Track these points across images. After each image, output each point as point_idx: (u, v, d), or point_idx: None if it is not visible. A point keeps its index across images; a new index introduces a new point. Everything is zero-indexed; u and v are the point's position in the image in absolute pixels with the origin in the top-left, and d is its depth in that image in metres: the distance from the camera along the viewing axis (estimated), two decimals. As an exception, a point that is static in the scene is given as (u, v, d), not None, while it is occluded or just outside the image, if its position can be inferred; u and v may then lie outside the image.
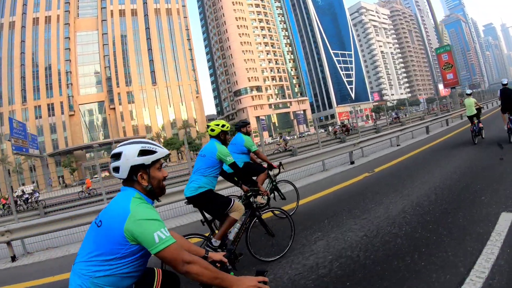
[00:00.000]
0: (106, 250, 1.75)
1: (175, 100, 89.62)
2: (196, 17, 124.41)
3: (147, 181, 1.93)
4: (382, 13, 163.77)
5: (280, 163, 6.50)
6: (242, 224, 3.98)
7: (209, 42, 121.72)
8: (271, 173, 6.28)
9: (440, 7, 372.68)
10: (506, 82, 10.79)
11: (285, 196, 6.43)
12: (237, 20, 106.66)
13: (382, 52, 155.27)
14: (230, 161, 4.10)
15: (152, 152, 1.94)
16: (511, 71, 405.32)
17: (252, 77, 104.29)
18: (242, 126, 6.02)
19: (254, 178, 5.75)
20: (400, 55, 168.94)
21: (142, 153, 1.91)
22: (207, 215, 4.19)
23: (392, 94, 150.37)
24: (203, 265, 1.76)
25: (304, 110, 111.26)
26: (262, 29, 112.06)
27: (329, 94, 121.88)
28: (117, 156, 1.91)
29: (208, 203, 4.02)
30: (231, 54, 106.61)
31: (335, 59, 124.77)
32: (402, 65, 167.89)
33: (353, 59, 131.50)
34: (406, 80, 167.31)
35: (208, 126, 4.38)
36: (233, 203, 3.97)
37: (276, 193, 6.47)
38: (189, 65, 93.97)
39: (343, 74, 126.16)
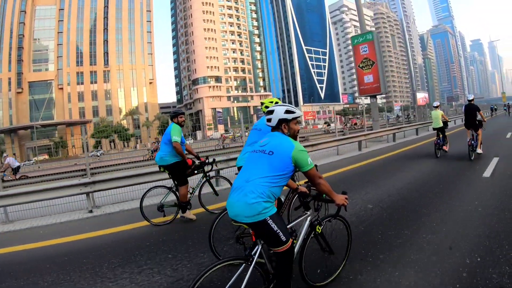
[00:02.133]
0: (279, 169, 2.60)
1: (127, 85, 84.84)
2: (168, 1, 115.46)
3: (287, 130, 2.82)
4: (365, 14, 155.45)
5: (214, 159, 6.93)
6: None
7: (176, 27, 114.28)
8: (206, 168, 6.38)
9: (429, 16, 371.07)
10: (471, 98, 10.77)
11: (218, 193, 6.48)
12: (203, 5, 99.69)
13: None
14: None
15: (292, 112, 2.83)
16: (493, 88, 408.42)
17: (212, 66, 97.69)
18: (174, 116, 5.91)
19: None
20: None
21: (287, 112, 2.80)
22: None
23: (366, 98, 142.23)
24: (325, 182, 2.79)
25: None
26: (230, 17, 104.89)
27: (296, 91, 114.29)
28: (271, 112, 2.83)
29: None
30: (193, 41, 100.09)
31: (307, 55, 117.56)
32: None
33: (327, 57, 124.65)
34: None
35: (262, 104, 4.32)
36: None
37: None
38: (146, 49, 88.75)
39: (314, 72, 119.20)
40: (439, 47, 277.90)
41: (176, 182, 5.88)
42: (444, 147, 11.82)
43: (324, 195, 2.98)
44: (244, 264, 2.57)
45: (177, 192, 5.86)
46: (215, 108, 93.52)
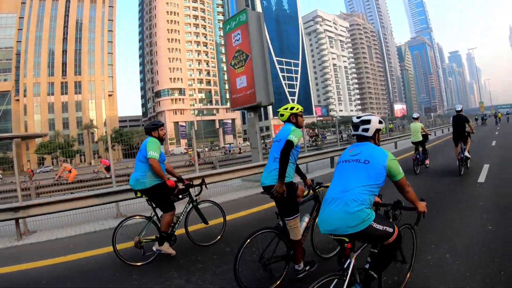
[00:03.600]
0: (375, 178, 2.59)
1: (85, 97, 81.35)
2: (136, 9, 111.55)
3: (378, 140, 2.92)
4: (340, 25, 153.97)
5: (203, 180, 5.67)
6: (310, 218, 3.93)
7: (142, 37, 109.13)
8: (192, 191, 5.42)
9: (408, 28, 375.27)
10: (460, 109, 10.40)
11: (207, 221, 5.50)
12: (168, 14, 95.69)
13: (334, 65, 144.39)
14: (290, 138, 3.54)
15: (382, 122, 2.92)
16: (471, 99, 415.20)
17: (175, 78, 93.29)
18: (153, 129, 4.96)
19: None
20: (355, 70, 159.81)
21: (380, 122, 2.89)
22: None
23: (341, 110, 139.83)
24: (412, 189, 2.79)
25: (233, 119, 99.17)
26: (196, 27, 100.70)
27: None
28: (368, 122, 2.86)
29: (288, 197, 3.59)
30: (156, 51, 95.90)
31: (278, 67, 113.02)
32: (356, 80, 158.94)
33: (299, 69, 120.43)
34: (358, 96, 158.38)
35: (278, 112, 4.03)
36: (297, 216, 3.64)
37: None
38: (106, 59, 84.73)
39: (285, 83, 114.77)
40: (417, 59, 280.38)
41: (155, 211, 4.90)
42: (426, 161, 11.37)
43: (403, 203, 2.93)
44: (336, 280, 2.54)
45: (158, 223, 4.86)
46: (177, 122, 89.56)
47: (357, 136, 2.92)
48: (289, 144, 3.51)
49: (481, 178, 8.23)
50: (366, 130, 2.85)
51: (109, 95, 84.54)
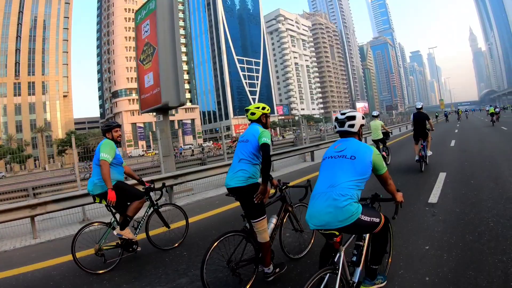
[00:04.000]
0: (361, 173, 2.63)
1: (38, 98, 77.02)
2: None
3: (361, 135, 2.97)
4: (302, 24, 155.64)
5: (163, 183, 5.62)
6: (278, 219, 3.85)
7: (100, 35, 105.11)
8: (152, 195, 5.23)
9: (370, 28, 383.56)
10: (420, 106, 10.49)
11: (169, 224, 5.32)
12: (126, 11, 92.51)
13: (296, 64, 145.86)
14: (264, 141, 3.54)
15: (364, 118, 2.98)
16: (432, 97, 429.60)
17: (132, 78, 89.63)
18: (107, 130, 4.75)
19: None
20: (316, 69, 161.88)
21: (362, 118, 2.94)
22: None
23: (303, 109, 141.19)
24: (392, 182, 2.91)
25: (193, 119, 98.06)
26: None
27: (227, 103, 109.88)
28: (353, 118, 2.88)
29: (251, 199, 3.49)
30: (113, 50, 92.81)
31: (238, 65, 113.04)
32: (318, 79, 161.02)
33: (260, 68, 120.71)
34: (320, 95, 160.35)
35: (247, 110, 3.89)
36: (265, 217, 3.55)
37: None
38: (61, 59, 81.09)
39: (246, 83, 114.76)
40: (379, 58, 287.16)
41: (115, 217, 4.72)
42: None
43: (381, 195, 3.05)
44: (329, 274, 2.57)
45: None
46: (135, 123, 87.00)
47: (341, 132, 2.93)
48: (267, 148, 3.54)
49: (433, 197, 6.35)
50: (352, 126, 2.89)
51: (64, 96, 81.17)
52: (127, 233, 4.61)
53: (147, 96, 11.59)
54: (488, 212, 5.10)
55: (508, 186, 6.56)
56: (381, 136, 11.44)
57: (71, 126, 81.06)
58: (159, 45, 10.63)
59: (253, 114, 3.78)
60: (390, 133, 12.74)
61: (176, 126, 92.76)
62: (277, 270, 3.64)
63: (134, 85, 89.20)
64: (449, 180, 7.75)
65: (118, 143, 4.78)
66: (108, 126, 4.76)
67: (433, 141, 11.98)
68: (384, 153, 11.26)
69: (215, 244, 3.32)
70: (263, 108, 3.83)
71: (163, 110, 11.18)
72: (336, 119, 2.99)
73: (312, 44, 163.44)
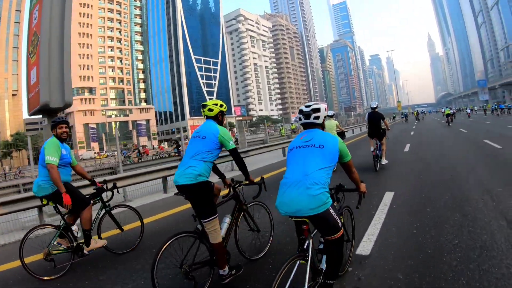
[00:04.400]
0: (330, 161, 2.77)
1: None
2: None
3: (324, 126, 3.04)
4: (263, 25, 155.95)
5: (114, 184, 5.21)
6: (232, 219, 3.75)
7: None
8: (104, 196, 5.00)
9: (331, 31, 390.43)
10: (375, 106, 10.44)
11: (122, 227, 5.12)
12: (81, 6, 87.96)
13: (255, 64, 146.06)
14: (232, 146, 3.59)
15: (327, 110, 3.21)
16: (390, 99, 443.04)
17: (85, 76, 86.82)
18: (52, 127, 4.52)
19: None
20: (276, 70, 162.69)
21: (325, 110, 3.07)
22: None
23: (261, 110, 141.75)
24: (356, 171, 3.07)
25: (148, 120, 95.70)
26: (110, 21, 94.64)
27: (183, 103, 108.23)
28: (318, 110, 2.94)
29: (203, 198, 3.41)
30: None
31: (196, 65, 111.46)
32: (277, 80, 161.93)
33: (218, 68, 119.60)
34: (279, 96, 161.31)
35: (204, 106, 3.80)
36: (216, 217, 3.42)
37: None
38: (11, 55, 78.00)
39: (203, 83, 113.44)
40: (339, 61, 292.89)
41: (64, 219, 4.45)
42: None
43: (345, 186, 3.20)
44: (299, 261, 2.64)
45: (69, 233, 4.47)
46: (88, 124, 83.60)
47: (306, 124, 3.00)
48: (237, 152, 3.66)
49: (366, 245, 4.09)
50: (318, 117, 2.95)
51: (14, 95, 78.09)
52: (95, 244, 4.49)
53: (33, 95, 9.94)
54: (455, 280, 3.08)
55: (483, 221, 4.45)
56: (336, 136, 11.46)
57: (20, 127, 77.83)
58: (41, 35, 9.11)
59: (210, 110, 3.73)
60: (345, 133, 12.83)
61: (131, 127, 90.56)
62: (233, 272, 3.52)
63: (88, 83, 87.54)
64: (396, 206, 5.61)
65: (63, 140, 4.51)
66: (53, 122, 4.51)
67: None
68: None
69: (165, 246, 3.16)
70: (221, 106, 3.79)
71: (49, 112, 9.42)
72: (301, 111, 3.05)
73: (272, 45, 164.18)
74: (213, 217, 3.35)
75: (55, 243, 4.34)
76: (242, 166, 3.67)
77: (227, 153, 3.62)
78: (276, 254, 4.09)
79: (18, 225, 7.49)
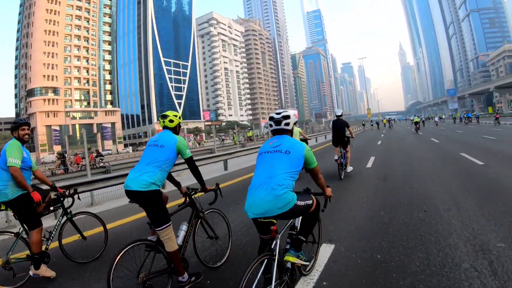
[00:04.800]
0: (295, 166, 2.94)
1: None
2: None
3: (292, 133, 3.24)
4: (235, 29, 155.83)
5: (75, 189, 5.25)
6: (188, 227, 3.78)
7: (21, 27, 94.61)
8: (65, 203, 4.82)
9: (304, 38, 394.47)
10: (340, 114, 10.34)
11: (84, 236, 4.93)
12: (48, 2, 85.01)
13: (226, 69, 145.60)
14: (189, 154, 3.71)
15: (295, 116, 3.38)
16: (361, 106, 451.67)
17: (50, 76, 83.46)
18: (14, 128, 4.26)
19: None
20: (247, 75, 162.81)
21: (294, 116, 3.33)
22: None
23: (230, 115, 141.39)
24: (322, 177, 3.25)
25: (113, 123, 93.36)
26: (78, 19, 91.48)
27: (150, 107, 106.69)
28: (288, 117, 3.15)
29: (154, 206, 3.43)
30: (31, 43, 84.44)
31: (165, 68, 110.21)
32: (248, 85, 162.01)
33: (188, 71, 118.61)
34: (249, 101, 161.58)
35: (165, 116, 3.85)
36: (170, 224, 3.43)
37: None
38: None
39: (171, 86, 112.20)
40: (311, 67, 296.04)
41: (24, 227, 4.25)
42: None
43: (312, 190, 3.33)
44: (266, 260, 2.74)
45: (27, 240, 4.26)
46: (50, 126, 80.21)
47: (276, 130, 3.16)
48: (193, 161, 3.80)
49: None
50: (288, 124, 3.15)
51: None
52: (44, 271, 4.14)
53: None
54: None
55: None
56: None
57: None
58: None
59: (171, 121, 3.83)
60: (307, 140, 12.57)
61: (95, 130, 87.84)
62: (193, 279, 3.54)
63: (52, 83, 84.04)
64: (339, 263, 3.86)
65: (25, 143, 4.31)
66: (15, 123, 4.27)
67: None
68: None
69: (120, 255, 3.08)
70: (179, 117, 3.91)
71: None
72: (272, 118, 3.21)
73: (244, 50, 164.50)
74: (166, 225, 3.36)
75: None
76: (197, 175, 3.83)
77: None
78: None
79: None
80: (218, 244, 4.18)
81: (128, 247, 3.13)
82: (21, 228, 4.25)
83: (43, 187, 4.83)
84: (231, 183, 10.70)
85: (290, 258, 2.99)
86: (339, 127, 10.00)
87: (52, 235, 4.46)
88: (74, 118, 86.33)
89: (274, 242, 2.84)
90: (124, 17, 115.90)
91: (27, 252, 4.19)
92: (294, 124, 9.97)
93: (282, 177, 2.82)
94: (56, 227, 4.60)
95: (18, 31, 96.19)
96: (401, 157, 13.87)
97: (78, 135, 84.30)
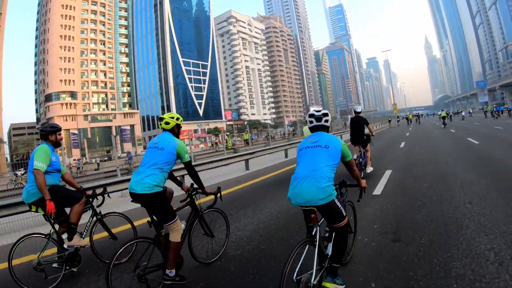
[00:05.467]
0: (334, 159, 3.14)
1: None
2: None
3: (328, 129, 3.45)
4: (255, 27, 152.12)
5: (105, 188, 5.45)
6: (187, 226, 3.91)
7: (39, 34, 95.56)
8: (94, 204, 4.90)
9: (327, 34, 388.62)
10: (359, 110, 9.69)
11: (115, 236, 4.89)
12: (63, 8, 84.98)
13: (247, 67, 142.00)
14: (187, 159, 3.82)
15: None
16: (387, 102, 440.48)
17: (66, 80, 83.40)
18: (50, 133, 4.52)
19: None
20: (269, 73, 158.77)
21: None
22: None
23: (253, 114, 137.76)
24: (357, 169, 3.82)
25: (132, 126, 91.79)
26: (93, 23, 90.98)
27: (170, 108, 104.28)
28: (327, 115, 3.37)
29: (159, 207, 3.58)
30: (48, 49, 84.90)
31: (184, 68, 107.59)
32: (270, 83, 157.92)
33: (208, 71, 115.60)
34: (272, 100, 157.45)
35: (161, 119, 3.94)
36: (176, 219, 3.63)
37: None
38: None
39: (191, 86, 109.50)
40: (335, 63, 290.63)
41: (54, 228, 4.41)
42: None
43: (347, 182, 3.53)
44: (308, 245, 2.97)
45: (57, 241, 4.39)
46: (69, 130, 79.69)
47: (316, 127, 3.37)
48: (191, 165, 3.85)
49: None
50: (327, 121, 3.39)
51: None
52: (77, 241, 4.34)
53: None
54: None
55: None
56: None
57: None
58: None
59: (167, 123, 3.85)
60: None
61: (114, 133, 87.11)
62: (177, 278, 3.57)
63: (69, 87, 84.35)
64: None
65: (59, 146, 4.66)
66: (52, 127, 4.55)
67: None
68: None
69: (120, 251, 3.29)
70: (177, 119, 3.90)
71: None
72: (313, 115, 3.42)
73: (265, 47, 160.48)
74: (173, 221, 3.56)
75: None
76: (196, 178, 3.91)
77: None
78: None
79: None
80: (213, 243, 4.30)
81: (129, 243, 3.38)
82: (52, 230, 4.32)
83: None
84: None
85: (328, 285, 3.11)
86: (358, 125, 9.40)
87: (83, 235, 4.53)
88: (92, 121, 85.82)
89: (314, 230, 3.06)
90: (142, 19, 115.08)
91: (60, 254, 4.25)
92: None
93: (325, 170, 3.01)
94: (86, 227, 4.67)
95: (36, 37, 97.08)
96: (427, 159, 11.36)
97: (97, 138, 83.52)
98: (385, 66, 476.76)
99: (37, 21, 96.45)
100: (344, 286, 3.29)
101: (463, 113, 52.35)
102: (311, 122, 3.38)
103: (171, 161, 3.63)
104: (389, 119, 65.32)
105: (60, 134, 4.54)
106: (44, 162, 4.13)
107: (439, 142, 17.69)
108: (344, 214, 3.11)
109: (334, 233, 3.18)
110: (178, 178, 5.24)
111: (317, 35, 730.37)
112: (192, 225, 3.96)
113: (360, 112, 9.63)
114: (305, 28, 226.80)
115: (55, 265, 4.15)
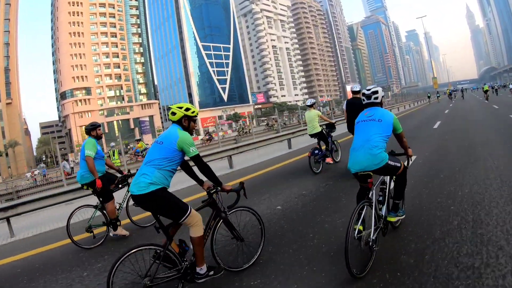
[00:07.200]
0: (386, 132, 3.56)
1: None
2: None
3: (382, 103, 3.84)
4: (280, 3, 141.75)
5: (138, 170, 4.96)
6: (206, 227, 3.47)
7: (53, 34, 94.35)
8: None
9: (362, 8, 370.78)
10: (358, 89, 7.66)
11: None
12: (70, 5, 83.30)
13: (274, 46, 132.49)
14: (194, 152, 3.32)
15: (383, 91, 3.86)
16: (429, 76, 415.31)
17: (79, 77, 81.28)
18: (92, 129, 5.72)
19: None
20: (299, 51, 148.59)
21: (382, 91, 3.86)
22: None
23: (283, 96, 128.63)
24: (406, 140, 3.96)
25: (151, 116, 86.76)
26: (102, 16, 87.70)
27: (192, 95, 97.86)
28: (377, 92, 3.74)
29: (160, 206, 3.26)
30: (58, 48, 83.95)
31: (204, 53, 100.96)
32: (301, 62, 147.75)
33: (230, 53, 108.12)
34: (304, 79, 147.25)
35: (169, 109, 3.66)
36: (190, 212, 3.26)
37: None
38: (2, 64, 75.15)
39: (213, 71, 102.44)
40: (372, 38, 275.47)
41: (101, 199, 5.66)
42: (328, 159, 8.63)
43: (395, 151, 3.82)
44: (366, 206, 3.32)
45: (104, 210, 5.64)
46: (83, 126, 74.76)
47: (368, 103, 3.78)
48: (199, 159, 3.35)
49: None
50: (377, 98, 3.76)
51: (8, 104, 74.55)
52: (120, 231, 5.53)
53: None
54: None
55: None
56: (318, 129, 8.64)
57: (17, 134, 74.97)
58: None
59: (173, 114, 3.47)
60: (334, 125, 9.39)
61: (132, 125, 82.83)
62: (211, 273, 3.33)
63: (83, 83, 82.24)
64: None
65: (100, 138, 5.73)
66: (93, 125, 5.72)
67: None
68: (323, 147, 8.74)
69: (124, 257, 2.97)
70: (187, 110, 3.43)
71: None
72: (364, 94, 3.85)
73: (293, 25, 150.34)
74: (186, 216, 3.18)
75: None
76: (208, 174, 3.35)
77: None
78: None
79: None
80: (243, 247, 3.77)
81: (136, 250, 3.02)
82: (98, 202, 5.64)
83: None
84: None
85: (392, 219, 3.74)
86: (356, 108, 6.49)
87: (122, 205, 5.93)
88: (108, 115, 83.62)
89: (371, 192, 3.44)
90: (158, 6, 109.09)
91: (104, 219, 5.59)
92: (311, 106, 9.09)
93: (377, 140, 3.43)
94: (123, 200, 6.03)
95: (51, 37, 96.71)
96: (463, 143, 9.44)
97: (116, 131, 79.97)
98: (426, 38, 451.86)
99: (51, 21, 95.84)
100: (404, 215, 3.98)
101: (510, 86, 50.40)
102: (363, 100, 3.79)
103: (171, 157, 3.19)
104: (428, 95, 60.55)
105: (99, 129, 5.72)
106: (92, 151, 5.37)
107: (478, 123, 14.76)
108: (399, 165, 3.57)
109: (394, 177, 3.75)
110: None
111: (350, 8, 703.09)
112: (213, 228, 3.50)
113: (358, 92, 7.43)
114: (336, 2, 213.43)
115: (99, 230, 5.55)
